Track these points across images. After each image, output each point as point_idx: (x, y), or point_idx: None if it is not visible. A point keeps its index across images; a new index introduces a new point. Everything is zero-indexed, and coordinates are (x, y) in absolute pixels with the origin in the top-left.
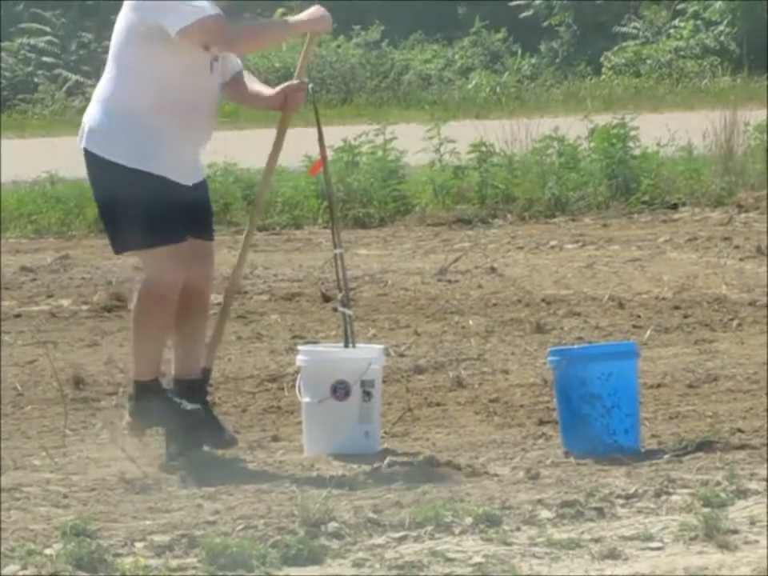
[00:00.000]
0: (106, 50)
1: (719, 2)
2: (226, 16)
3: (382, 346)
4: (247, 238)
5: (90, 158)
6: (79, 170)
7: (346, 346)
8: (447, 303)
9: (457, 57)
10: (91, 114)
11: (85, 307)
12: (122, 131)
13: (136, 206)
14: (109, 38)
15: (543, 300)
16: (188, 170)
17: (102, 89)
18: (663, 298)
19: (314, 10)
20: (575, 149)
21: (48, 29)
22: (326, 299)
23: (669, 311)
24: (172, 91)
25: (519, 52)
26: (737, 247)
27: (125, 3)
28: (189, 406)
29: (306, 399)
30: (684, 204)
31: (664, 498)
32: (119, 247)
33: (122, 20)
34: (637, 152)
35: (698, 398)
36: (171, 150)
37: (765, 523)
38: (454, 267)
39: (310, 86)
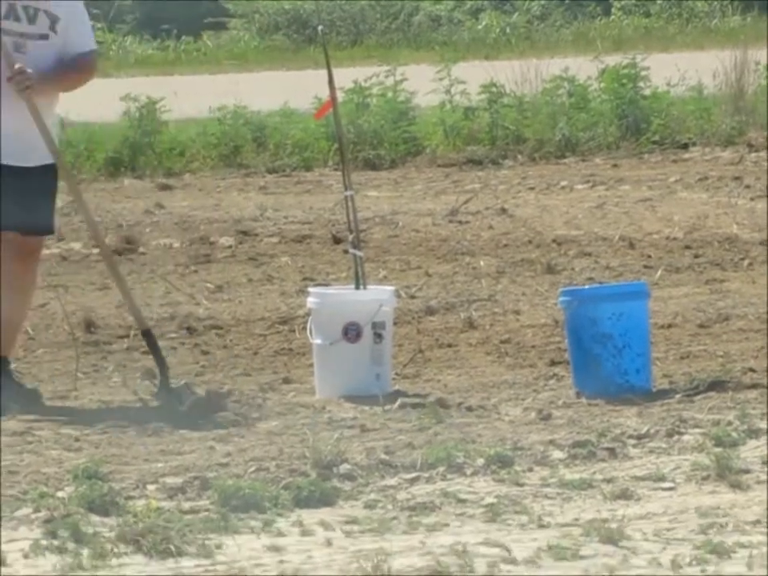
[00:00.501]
0: None
1: None
2: None
3: (392, 288)
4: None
5: None
6: (89, 114)
7: (357, 287)
8: (458, 244)
9: None
10: None
11: (95, 250)
12: None
13: None
14: None
15: (554, 240)
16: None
17: None
18: (674, 238)
19: None
20: (585, 89)
21: None
22: (337, 241)
23: (679, 251)
24: None
25: None
26: (747, 186)
27: None
28: None
29: (317, 341)
30: (694, 144)
31: (676, 437)
32: None
33: None
34: (647, 92)
35: (710, 337)
36: None
37: None
38: (464, 208)
39: (320, 27)
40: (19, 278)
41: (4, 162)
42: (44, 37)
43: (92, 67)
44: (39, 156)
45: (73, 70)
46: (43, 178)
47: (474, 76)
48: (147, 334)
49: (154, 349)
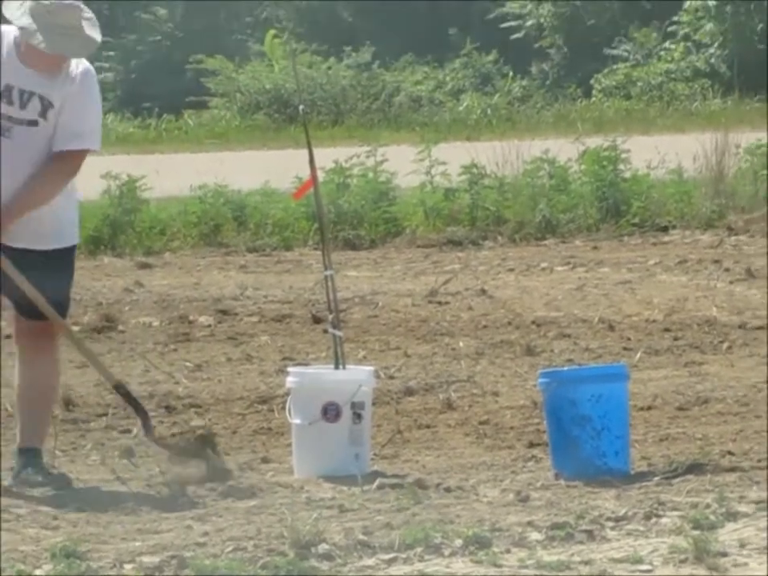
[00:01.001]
0: (96, 71)
1: (709, 25)
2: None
3: (372, 368)
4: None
5: None
6: None
7: (337, 367)
8: (437, 325)
9: (448, 78)
10: None
11: (75, 328)
12: None
13: None
14: (99, 59)
15: (533, 322)
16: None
17: None
18: (653, 321)
19: None
20: (566, 171)
21: None
22: (317, 321)
23: (659, 333)
24: None
25: (510, 74)
26: (727, 270)
27: None
28: None
29: (296, 421)
30: (674, 226)
31: (654, 520)
32: None
33: None
34: (627, 174)
35: (688, 420)
36: None
37: (755, 546)
38: (444, 289)
39: (301, 107)
40: (37, 364)
41: (18, 245)
42: (32, 123)
43: (62, 169)
44: (56, 240)
45: (42, 175)
46: (59, 262)
47: (454, 157)
48: (119, 387)
49: (129, 399)
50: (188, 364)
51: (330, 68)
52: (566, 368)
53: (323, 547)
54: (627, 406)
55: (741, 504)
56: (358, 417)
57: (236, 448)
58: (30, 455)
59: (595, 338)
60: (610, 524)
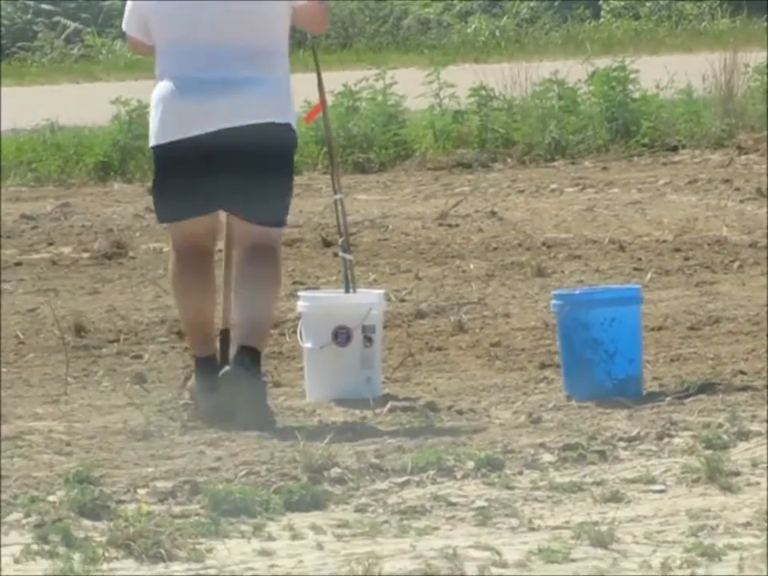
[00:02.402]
0: None
1: None
2: None
3: (382, 291)
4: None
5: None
6: (78, 118)
7: (347, 291)
8: (448, 247)
9: (456, 1)
10: None
11: (85, 255)
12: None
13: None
14: None
15: (544, 243)
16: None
17: None
18: (664, 241)
19: None
20: (575, 92)
21: None
22: (327, 244)
23: (669, 254)
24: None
25: None
26: (737, 189)
27: None
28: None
29: (307, 345)
30: (684, 146)
31: (666, 440)
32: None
33: None
34: (636, 95)
35: (700, 340)
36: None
37: (767, 465)
38: (454, 211)
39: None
40: (258, 272)
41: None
42: None
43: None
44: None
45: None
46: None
47: (463, 79)
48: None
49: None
50: None
51: None
52: (578, 290)
53: (335, 471)
54: (640, 329)
55: (753, 423)
56: (368, 340)
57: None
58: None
59: (606, 258)
60: (623, 444)
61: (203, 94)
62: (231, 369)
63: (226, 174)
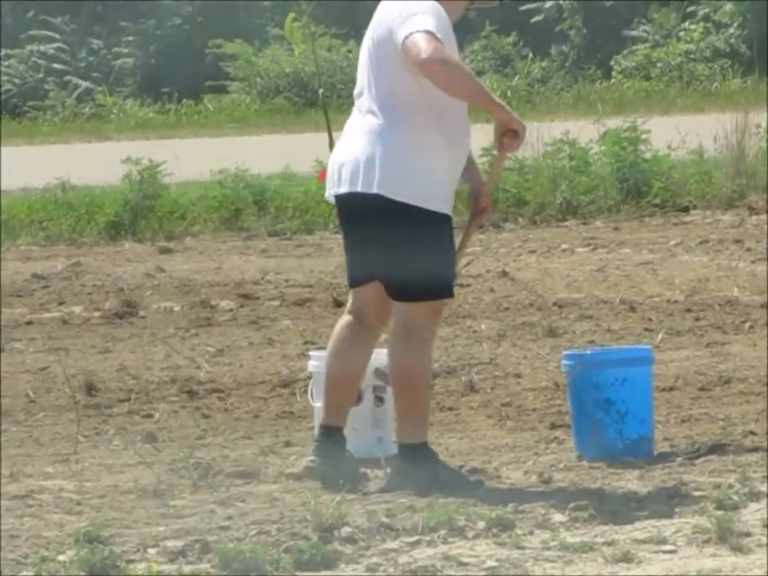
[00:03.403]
0: (115, 57)
1: (729, 4)
2: None
3: None
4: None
5: (383, 202)
6: (89, 177)
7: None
8: (459, 307)
9: (467, 60)
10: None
11: (96, 314)
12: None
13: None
14: (118, 44)
15: (555, 303)
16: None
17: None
18: (675, 301)
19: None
20: (586, 152)
21: (57, 35)
22: (338, 304)
23: (680, 314)
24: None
25: (530, 56)
26: (748, 249)
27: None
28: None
29: (318, 404)
30: (695, 207)
31: (677, 500)
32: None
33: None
34: (648, 155)
35: (711, 400)
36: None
37: None
38: (465, 271)
39: (321, 90)
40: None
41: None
42: None
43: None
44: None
45: None
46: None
47: (475, 139)
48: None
49: None
50: (210, 349)
51: (349, 51)
52: (589, 350)
53: (346, 530)
54: (651, 389)
55: (763, 484)
56: (379, 400)
57: (258, 432)
58: (410, 451)
59: (617, 319)
60: (634, 505)
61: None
62: (401, 464)
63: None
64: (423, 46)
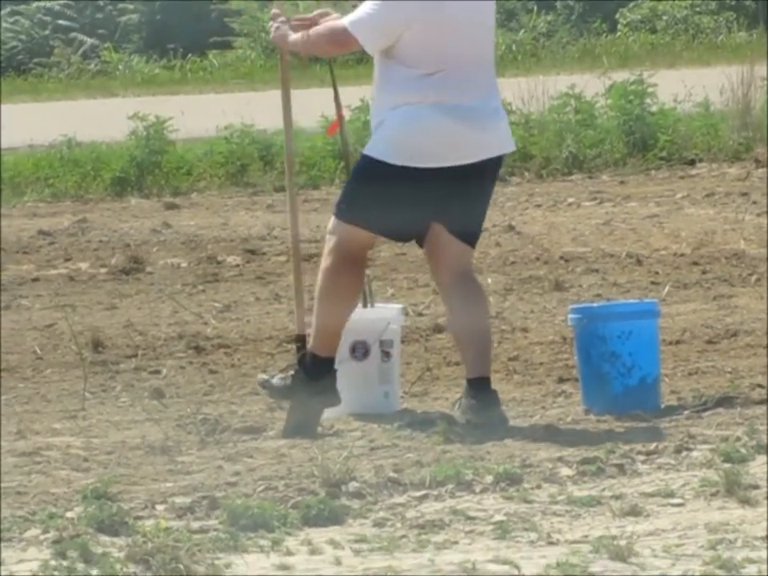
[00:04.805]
0: (121, 13)
1: None
2: None
3: (400, 306)
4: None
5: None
6: (95, 134)
7: (365, 305)
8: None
9: None
10: None
11: (103, 270)
12: None
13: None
14: (123, 0)
15: (561, 257)
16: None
17: None
18: (681, 254)
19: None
20: (592, 106)
21: None
22: None
23: (687, 267)
24: None
25: (534, 9)
26: (755, 202)
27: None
28: None
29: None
30: (701, 160)
31: (684, 453)
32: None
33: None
34: (654, 109)
35: (717, 353)
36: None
37: None
38: None
39: None
40: (464, 287)
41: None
42: None
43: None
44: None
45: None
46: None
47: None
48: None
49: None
50: (216, 304)
51: (354, 5)
52: (596, 304)
53: (353, 485)
54: (657, 342)
55: None
56: (386, 355)
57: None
58: (480, 385)
59: (623, 272)
60: (641, 458)
61: (476, 123)
62: (477, 402)
63: (453, 194)
64: None
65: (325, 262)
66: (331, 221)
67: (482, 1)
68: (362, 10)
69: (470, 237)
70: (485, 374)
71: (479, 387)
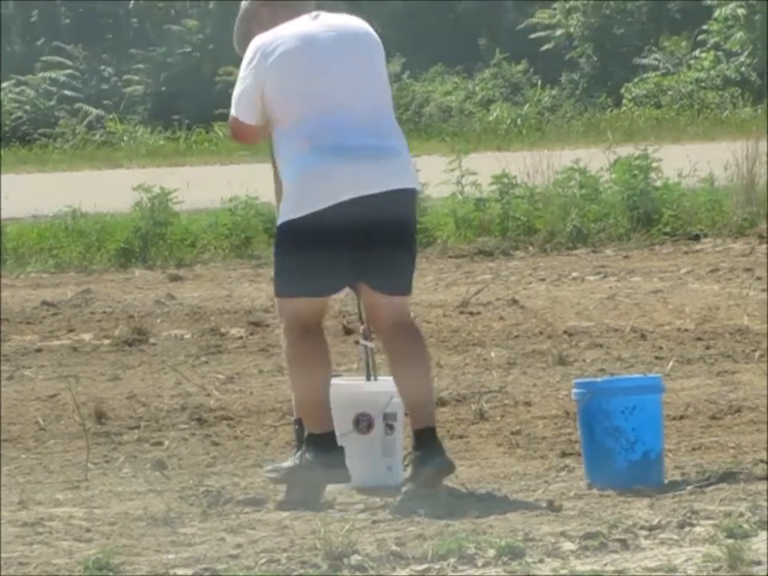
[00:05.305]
0: (126, 84)
1: (740, 33)
2: None
3: None
4: None
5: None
6: (100, 205)
7: (368, 378)
8: (469, 335)
9: (477, 89)
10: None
11: (106, 341)
12: None
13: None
14: (128, 72)
15: (565, 332)
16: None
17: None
18: (685, 330)
19: None
20: (596, 180)
21: (69, 62)
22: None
23: (691, 342)
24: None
25: (539, 84)
26: (759, 278)
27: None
28: None
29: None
30: (706, 235)
31: (687, 529)
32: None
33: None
34: (658, 183)
35: (721, 429)
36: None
37: None
38: (475, 299)
39: None
40: (402, 338)
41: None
42: None
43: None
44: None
45: None
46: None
47: (485, 167)
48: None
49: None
50: (220, 376)
51: None
52: (600, 378)
53: (356, 558)
54: (661, 417)
55: None
56: (390, 428)
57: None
58: (424, 436)
59: (627, 347)
60: (644, 533)
61: (353, 160)
62: (421, 454)
63: (364, 244)
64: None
65: (283, 343)
66: (275, 303)
67: (344, 46)
68: (234, 93)
69: (398, 288)
70: (429, 425)
71: (423, 439)
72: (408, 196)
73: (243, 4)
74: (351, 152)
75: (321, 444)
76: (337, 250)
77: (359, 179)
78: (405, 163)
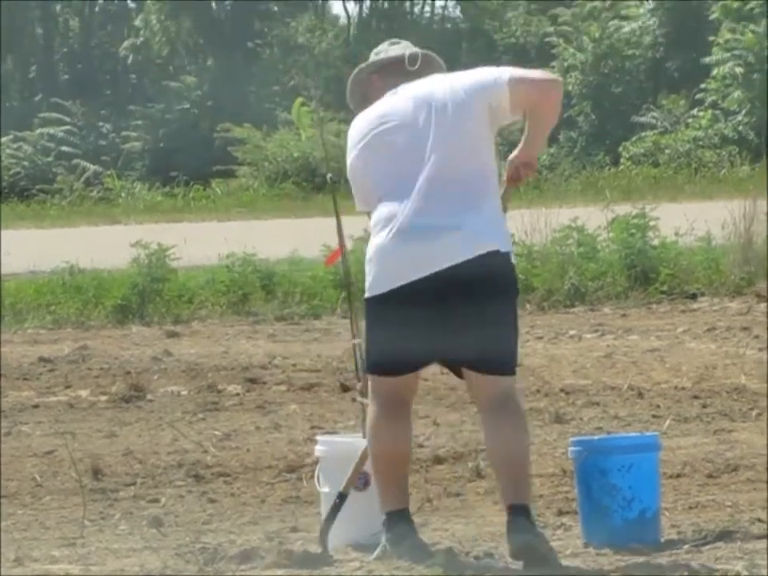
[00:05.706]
0: (124, 140)
1: (737, 92)
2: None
3: None
4: None
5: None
6: (98, 261)
7: (365, 436)
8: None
9: None
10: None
11: (103, 398)
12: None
13: None
14: (126, 128)
15: (562, 390)
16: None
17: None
18: (682, 388)
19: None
20: (594, 239)
21: (67, 118)
22: (345, 389)
23: (688, 401)
24: None
25: None
26: (756, 337)
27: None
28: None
29: (324, 490)
30: (703, 294)
31: None
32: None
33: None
34: (655, 242)
35: (718, 487)
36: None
37: None
38: None
39: (329, 176)
40: (498, 413)
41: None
42: None
43: None
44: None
45: None
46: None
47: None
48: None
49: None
50: (217, 433)
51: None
52: (597, 436)
53: None
54: (658, 475)
55: None
56: None
57: (264, 517)
58: (513, 512)
59: (624, 405)
60: None
61: (422, 238)
62: (519, 535)
63: (449, 320)
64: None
65: (369, 420)
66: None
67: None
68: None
69: (496, 366)
70: (517, 502)
71: (512, 515)
72: (486, 259)
73: (355, 71)
74: (422, 231)
75: (396, 522)
76: (413, 324)
77: (425, 258)
78: (481, 224)
